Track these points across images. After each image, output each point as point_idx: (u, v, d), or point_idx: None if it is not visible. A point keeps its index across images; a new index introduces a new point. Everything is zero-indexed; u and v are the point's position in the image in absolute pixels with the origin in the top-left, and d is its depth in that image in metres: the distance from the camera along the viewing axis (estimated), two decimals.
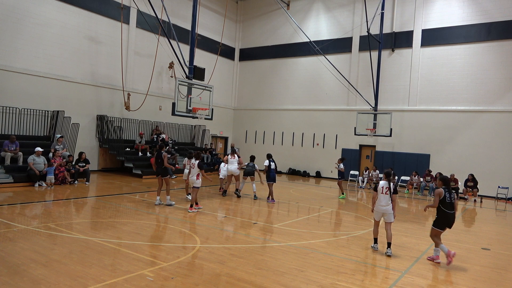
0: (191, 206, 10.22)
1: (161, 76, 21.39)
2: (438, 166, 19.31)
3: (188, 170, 11.25)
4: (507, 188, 17.35)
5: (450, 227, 7.03)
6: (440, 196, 6.87)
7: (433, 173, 18.09)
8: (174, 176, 17.66)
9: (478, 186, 17.03)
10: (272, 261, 6.39)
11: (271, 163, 12.80)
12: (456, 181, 17.42)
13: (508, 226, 11.69)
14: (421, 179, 18.33)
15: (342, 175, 15.62)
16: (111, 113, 18.84)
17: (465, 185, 17.26)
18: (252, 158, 13.62)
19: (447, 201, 6.86)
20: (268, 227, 8.93)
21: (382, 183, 7.42)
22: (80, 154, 15.01)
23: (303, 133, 24.43)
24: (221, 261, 6.17)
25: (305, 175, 23.85)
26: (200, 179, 10.29)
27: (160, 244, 7.00)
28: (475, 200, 16.68)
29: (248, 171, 13.33)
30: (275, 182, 12.91)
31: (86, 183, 14.37)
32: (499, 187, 17.41)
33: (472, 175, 17.29)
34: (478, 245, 8.60)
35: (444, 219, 6.90)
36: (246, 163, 13.96)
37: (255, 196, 13.31)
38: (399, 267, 6.53)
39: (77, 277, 5.09)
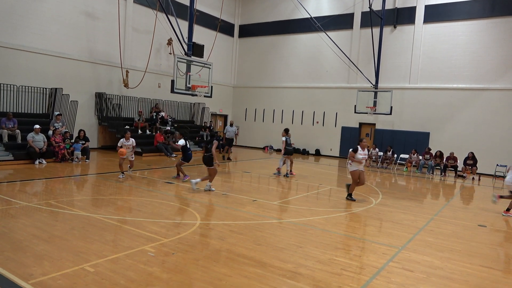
0: (508, 210, 9.39)
1: (160, 53, 21.13)
2: (437, 144, 19.35)
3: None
4: (505, 166, 17.40)
5: None
6: None
7: (432, 151, 18.14)
8: (174, 155, 17.72)
9: (477, 164, 17.11)
10: (271, 237, 6.49)
11: (187, 141, 11.52)
12: (455, 159, 17.49)
13: (505, 203, 11.78)
14: (420, 157, 18.39)
15: None
16: (109, 91, 18.72)
17: (464, 163, 17.33)
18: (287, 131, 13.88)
19: None
20: (268, 204, 9.02)
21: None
22: (79, 131, 14.99)
23: (303, 111, 24.35)
24: (221, 237, 6.26)
25: (304, 153, 23.92)
26: None
27: (160, 220, 7.09)
28: (473, 178, 16.79)
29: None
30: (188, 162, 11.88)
31: (86, 160, 14.42)
32: (497, 165, 17.48)
33: (472, 153, 17.35)
34: (475, 222, 8.71)
35: None
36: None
37: (287, 174, 13.88)
38: (396, 243, 6.63)
39: (80, 253, 5.17)
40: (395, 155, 19.43)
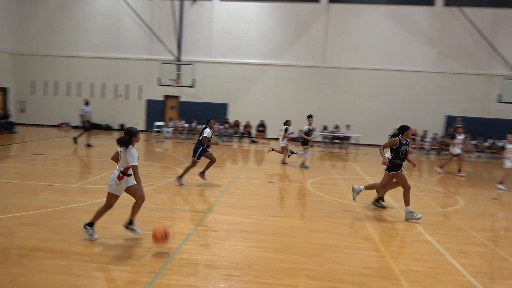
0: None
1: None
2: (235, 114, 21.38)
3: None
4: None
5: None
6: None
7: (231, 121, 19.98)
8: None
9: (267, 131, 19.85)
10: (73, 223, 5.95)
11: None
12: (249, 127, 19.78)
13: (288, 162, 14.16)
14: (221, 127, 20.01)
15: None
16: None
17: (257, 130, 19.83)
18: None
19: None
20: (67, 188, 8.17)
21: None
22: None
23: (104, 84, 22.62)
24: (9, 234, 5.34)
25: (108, 128, 22.50)
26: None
27: None
28: (263, 143, 19.43)
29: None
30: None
31: None
32: (281, 130, 20.67)
33: (262, 121, 19.96)
34: (266, 179, 10.17)
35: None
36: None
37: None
38: (202, 208, 7.14)
39: None
40: (199, 126, 20.51)
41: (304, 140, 12.46)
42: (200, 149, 8.81)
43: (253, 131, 20.35)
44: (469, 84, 20.69)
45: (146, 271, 4.42)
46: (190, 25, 21.75)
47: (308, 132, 12.43)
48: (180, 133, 20.36)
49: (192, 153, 8.94)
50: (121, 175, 5.13)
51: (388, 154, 7.38)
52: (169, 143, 17.99)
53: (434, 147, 19.16)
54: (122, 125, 22.61)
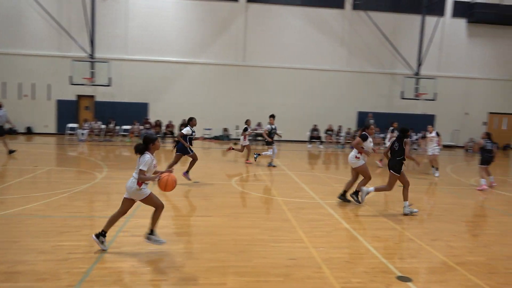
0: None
1: None
2: (156, 114, 20.72)
3: None
4: (210, 129, 20.80)
5: None
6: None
7: (152, 121, 19.34)
8: None
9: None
10: None
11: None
12: (172, 126, 19.34)
13: (212, 161, 14.15)
14: (141, 127, 19.27)
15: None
16: None
17: (180, 129, 19.47)
18: None
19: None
20: None
21: None
22: None
23: (5, 83, 20.33)
24: None
25: (11, 132, 20.26)
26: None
27: None
28: None
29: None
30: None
31: None
32: (204, 129, 20.60)
33: (185, 120, 19.60)
34: (192, 179, 10.02)
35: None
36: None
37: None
38: None
39: None
40: (118, 127, 19.52)
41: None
42: (186, 145, 9.32)
43: (176, 131, 19.88)
44: (377, 82, 22.58)
45: (63, 285, 4.10)
46: (104, 21, 20.48)
47: (271, 131, 12.83)
48: (96, 135, 19.12)
49: (186, 152, 9.41)
50: (140, 181, 5.08)
51: (354, 153, 7.90)
52: (84, 146, 16.80)
53: (348, 141, 20.51)
54: (29, 128, 20.56)
